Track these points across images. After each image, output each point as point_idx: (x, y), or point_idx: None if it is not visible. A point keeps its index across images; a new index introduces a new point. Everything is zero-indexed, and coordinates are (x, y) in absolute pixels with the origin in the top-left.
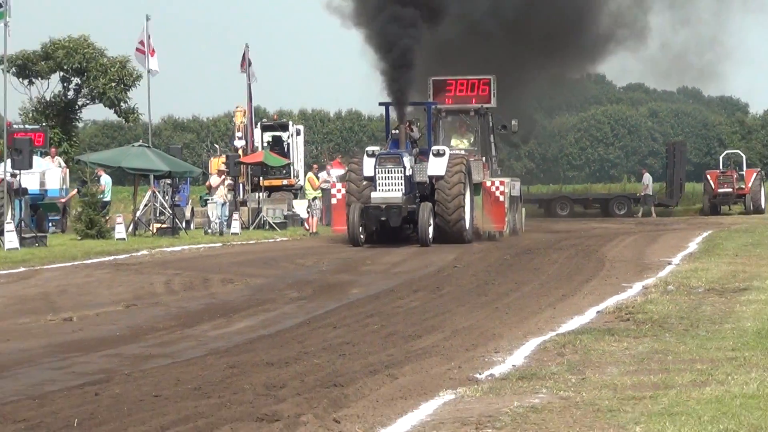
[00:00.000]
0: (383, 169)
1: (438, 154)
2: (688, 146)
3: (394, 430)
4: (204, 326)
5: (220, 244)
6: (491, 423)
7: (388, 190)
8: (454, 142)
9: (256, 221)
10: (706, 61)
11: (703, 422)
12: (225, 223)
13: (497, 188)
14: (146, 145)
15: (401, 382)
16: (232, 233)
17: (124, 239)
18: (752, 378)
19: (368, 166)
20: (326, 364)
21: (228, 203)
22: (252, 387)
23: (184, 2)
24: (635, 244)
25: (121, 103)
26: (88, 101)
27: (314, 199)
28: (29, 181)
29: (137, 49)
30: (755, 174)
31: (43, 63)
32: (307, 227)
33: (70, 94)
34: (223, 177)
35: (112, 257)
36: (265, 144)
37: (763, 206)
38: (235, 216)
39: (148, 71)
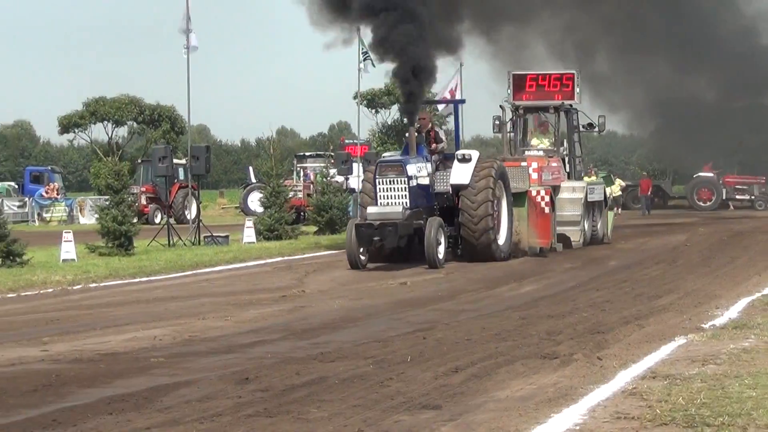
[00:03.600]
0: (383, 179)
1: (463, 160)
2: None
3: (641, 365)
4: (501, 288)
5: None
6: (713, 360)
7: (388, 203)
8: (534, 141)
9: None
10: None
11: None
12: None
13: (542, 198)
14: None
15: (647, 330)
16: None
17: None
18: None
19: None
20: (591, 316)
21: None
22: (537, 333)
23: None
24: None
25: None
26: None
27: None
28: (353, 183)
29: (444, 97)
30: None
31: (385, 98)
32: None
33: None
34: None
35: None
36: None
37: None
38: None
39: (460, 101)
